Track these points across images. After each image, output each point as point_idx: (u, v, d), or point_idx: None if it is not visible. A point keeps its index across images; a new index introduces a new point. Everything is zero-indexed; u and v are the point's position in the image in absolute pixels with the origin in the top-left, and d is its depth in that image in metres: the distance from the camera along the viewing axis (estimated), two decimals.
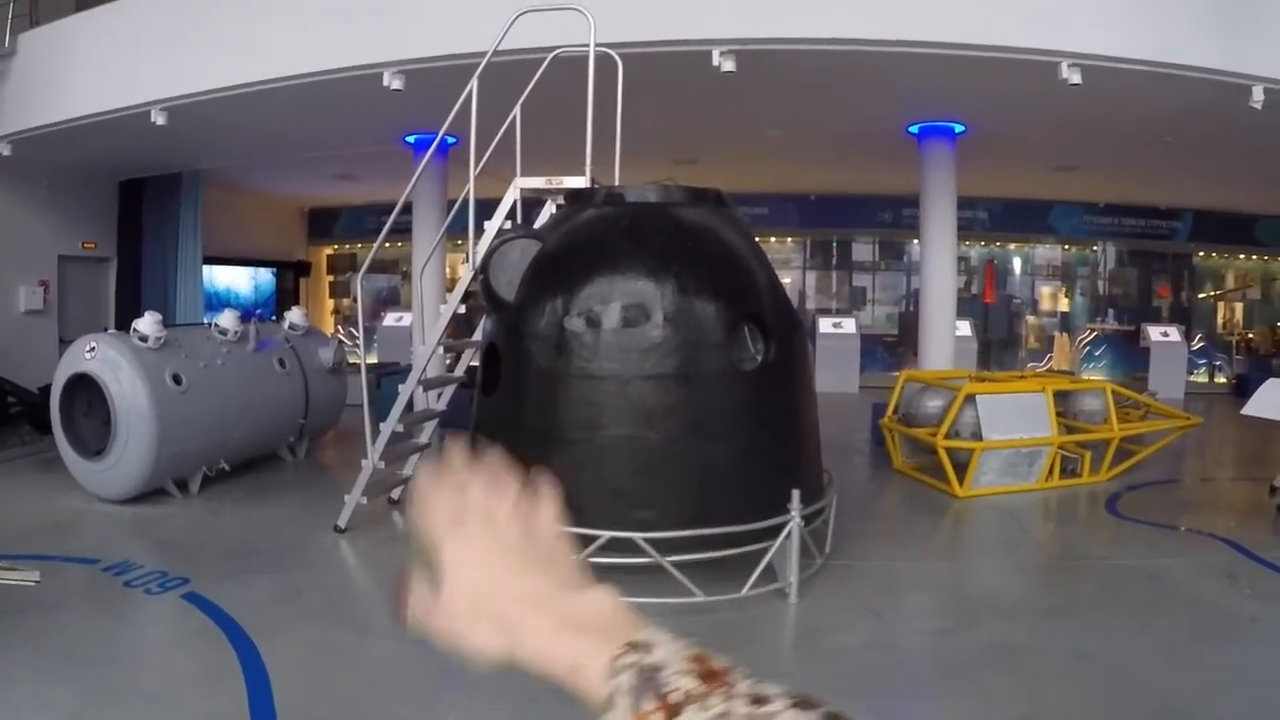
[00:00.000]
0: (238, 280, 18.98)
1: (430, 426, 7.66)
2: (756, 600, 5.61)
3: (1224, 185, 14.65)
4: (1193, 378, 17.35)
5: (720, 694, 0.64)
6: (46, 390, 8.41)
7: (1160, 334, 16.79)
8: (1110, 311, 18.40)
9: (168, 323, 8.11)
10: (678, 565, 5.43)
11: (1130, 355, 17.66)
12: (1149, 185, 15.42)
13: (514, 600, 0.76)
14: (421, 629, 0.78)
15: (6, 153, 10.90)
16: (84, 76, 9.78)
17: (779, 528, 5.62)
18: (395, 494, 7.82)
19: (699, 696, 0.64)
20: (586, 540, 5.46)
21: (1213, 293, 18.79)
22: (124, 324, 9.06)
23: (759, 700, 0.64)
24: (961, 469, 8.50)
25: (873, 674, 4.78)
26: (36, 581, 3.26)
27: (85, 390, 7.79)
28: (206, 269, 15.69)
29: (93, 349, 7.67)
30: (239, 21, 8.78)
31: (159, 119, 9.37)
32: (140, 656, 4.91)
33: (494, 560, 0.77)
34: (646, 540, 5.39)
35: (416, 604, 0.79)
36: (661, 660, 0.67)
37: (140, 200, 14.45)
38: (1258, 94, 7.86)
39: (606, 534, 5.42)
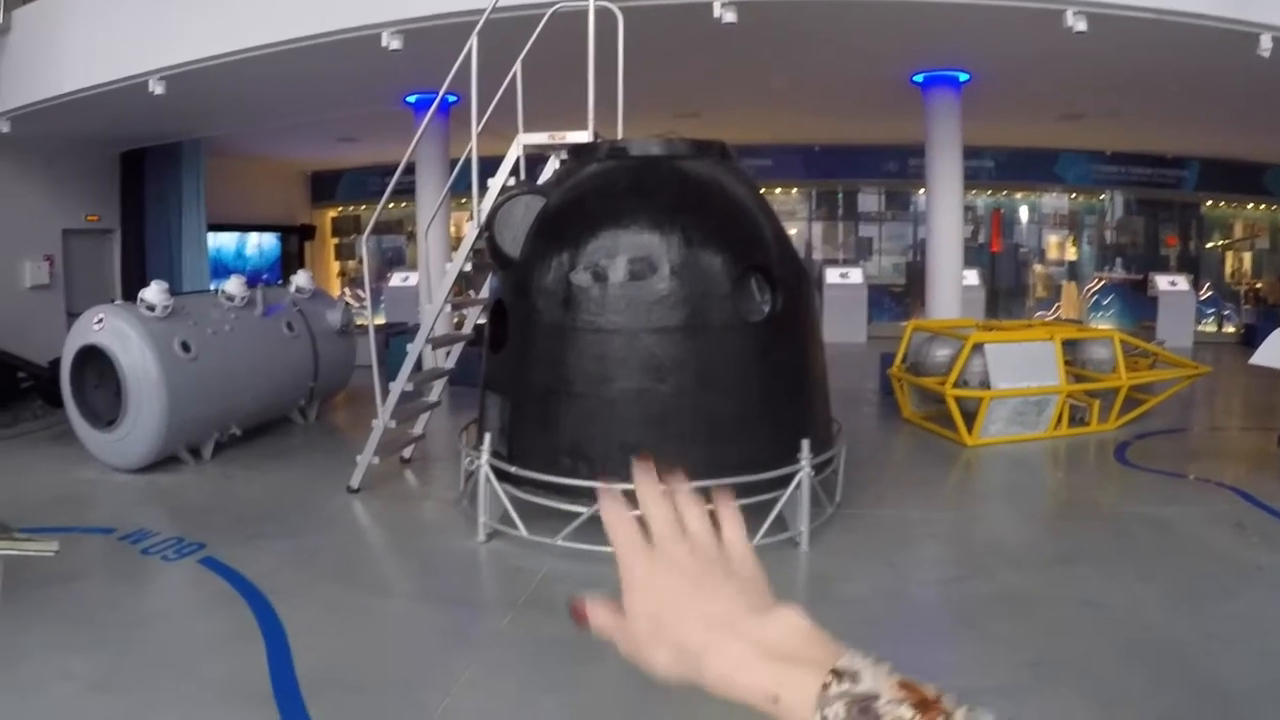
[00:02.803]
0: (249, 243, 19.00)
1: (440, 385, 7.68)
2: (768, 550, 5.65)
3: (1231, 134, 14.49)
4: (1201, 327, 17.29)
5: None
6: (56, 364, 8.43)
7: (1168, 283, 16.73)
8: (1118, 260, 18.30)
9: (174, 291, 8.10)
10: None
11: (1138, 304, 17.58)
12: (1156, 134, 15.26)
13: (700, 624, 0.73)
14: (605, 635, 0.78)
15: (6, 129, 10.85)
16: (80, 50, 9.71)
17: (789, 477, 5.66)
18: (406, 453, 7.86)
19: None
20: (597, 493, 5.47)
21: (1221, 242, 18.66)
22: (131, 295, 9.07)
23: None
24: (970, 418, 8.52)
25: (883, 622, 4.83)
26: (55, 552, 3.29)
27: (95, 362, 7.81)
28: (213, 236, 15.69)
29: (101, 321, 7.68)
30: None
31: (157, 89, 9.30)
32: (159, 623, 4.96)
33: (681, 582, 0.76)
34: None
35: (600, 613, 0.79)
36: (873, 690, 0.65)
37: (142, 171, 14.42)
38: (1265, 42, 7.76)
39: (618, 487, 5.42)
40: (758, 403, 5.80)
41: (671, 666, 0.74)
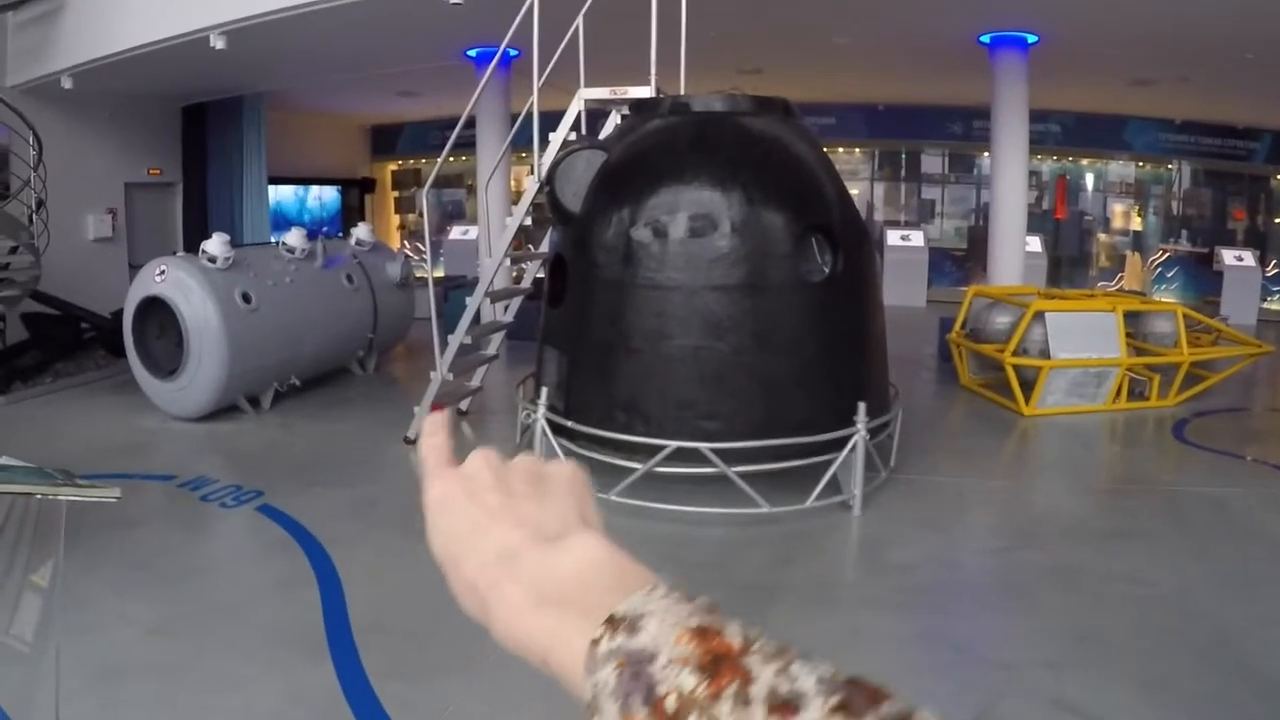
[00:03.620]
0: (309, 196, 19.23)
1: (498, 338, 7.72)
2: (821, 512, 5.65)
3: None
4: (1266, 304, 16.85)
5: (731, 695, 0.44)
6: (119, 315, 8.60)
7: (1234, 258, 16.28)
8: (1184, 232, 17.84)
9: (235, 243, 8.21)
10: (743, 476, 5.47)
11: (1202, 278, 17.16)
12: (1228, 103, 14.82)
13: (489, 560, 0.56)
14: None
15: (69, 85, 11.00)
16: (141, 6, 9.77)
17: (844, 440, 5.63)
18: (464, 405, 7.93)
19: (702, 702, 0.44)
20: (653, 450, 5.50)
21: None
22: (192, 247, 9.21)
23: (784, 707, 0.43)
24: (1028, 387, 8.40)
25: (933, 589, 4.81)
26: (117, 498, 3.36)
27: (157, 313, 7.96)
28: (274, 189, 15.87)
29: (163, 272, 7.81)
30: None
31: (218, 44, 9.35)
32: (217, 568, 5.08)
33: (477, 508, 0.59)
34: (713, 450, 5.42)
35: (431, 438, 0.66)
36: (653, 645, 0.47)
37: (203, 125, 14.59)
38: None
39: (673, 444, 5.45)
40: (815, 364, 5.76)
41: (476, 616, 0.57)
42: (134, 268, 12.22)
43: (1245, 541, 5.50)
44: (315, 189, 19.36)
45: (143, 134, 13.66)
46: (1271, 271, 17.32)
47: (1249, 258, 16.37)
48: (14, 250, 8.83)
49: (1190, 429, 8.14)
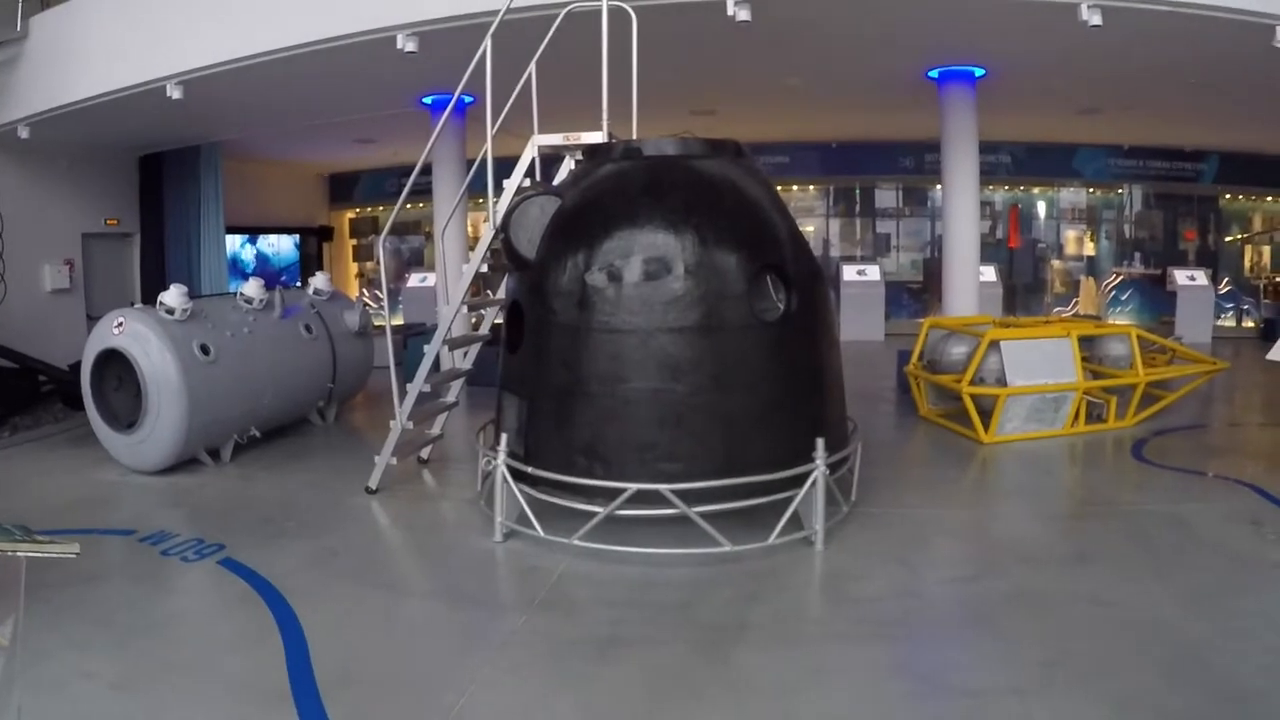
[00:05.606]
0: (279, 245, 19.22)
1: (457, 385, 7.72)
2: (784, 549, 5.68)
3: (1250, 127, 14.38)
4: (1220, 322, 17.19)
5: None
6: (76, 367, 8.50)
7: (1187, 278, 16.62)
8: (1136, 255, 18.20)
9: (193, 294, 8.17)
10: (705, 516, 5.49)
11: (1157, 299, 17.51)
12: (1173, 127, 15.17)
13: None
14: None
15: (25, 135, 10.96)
16: (97, 56, 9.79)
17: (804, 476, 5.67)
18: (424, 453, 7.91)
19: None
20: (613, 493, 5.52)
21: (1240, 236, 18.52)
22: (150, 298, 9.14)
23: None
24: (987, 415, 8.50)
25: (898, 620, 4.82)
26: (76, 554, 3.33)
27: (115, 365, 7.89)
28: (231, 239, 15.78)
29: (120, 324, 7.75)
30: None
31: (175, 93, 9.37)
32: (179, 623, 5.01)
33: None
34: (673, 491, 5.44)
35: None
36: None
37: (160, 174, 14.53)
38: None
39: (633, 486, 5.48)
40: (773, 402, 5.81)
41: None
42: (91, 319, 12.10)
43: (1208, 556, 5.58)
44: (272, 238, 19.29)
45: (100, 184, 13.60)
46: (1224, 290, 17.67)
47: (1201, 277, 16.73)
48: None
49: (1149, 448, 8.27)
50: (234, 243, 17.42)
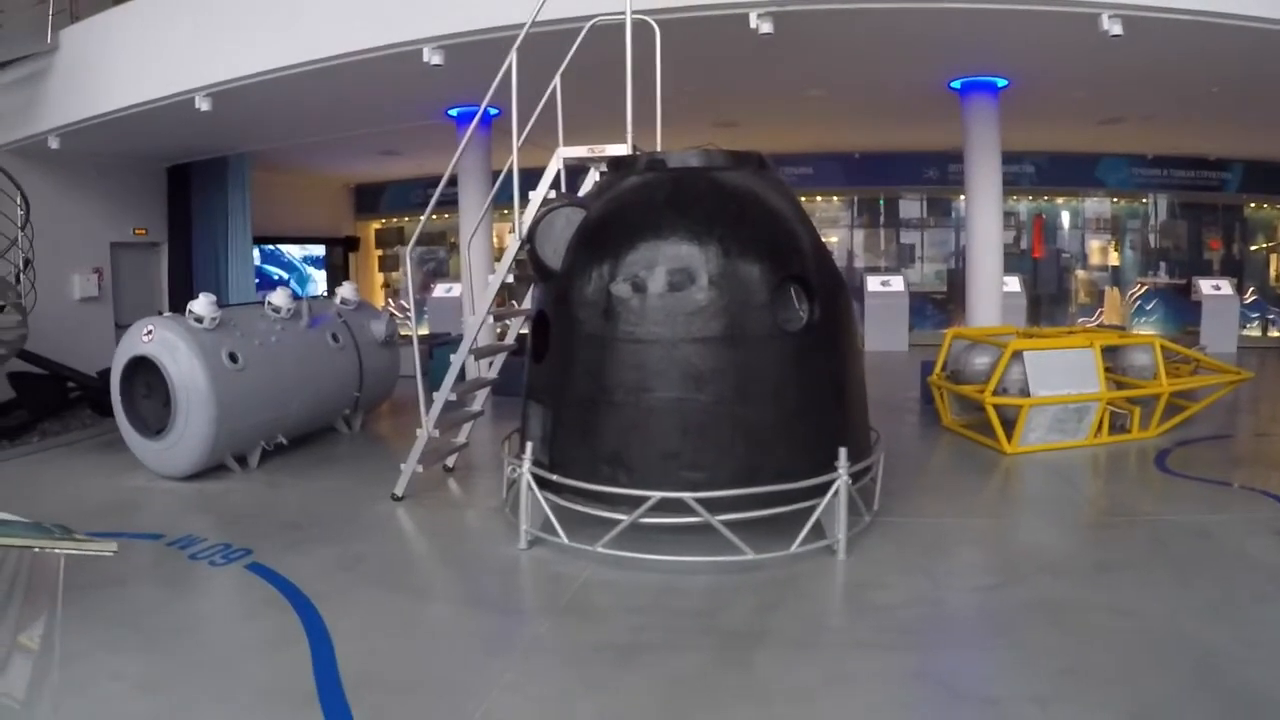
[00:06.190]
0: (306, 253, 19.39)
1: (483, 394, 7.80)
2: (805, 557, 5.71)
3: (1274, 135, 14.31)
4: (1245, 331, 17.06)
5: None
6: (106, 374, 8.64)
7: (1212, 287, 16.51)
8: (1161, 265, 18.10)
9: (221, 303, 8.29)
10: (728, 524, 5.53)
11: (1182, 309, 17.40)
12: (1197, 136, 15.09)
13: None
14: None
15: (55, 145, 11.16)
16: (126, 68, 9.97)
17: (827, 485, 5.69)
18: (450, 461, 7.99)
19: None
20: (637, 501, 5.57)
21: (1265, 244, 18.39)
22: (178, 307, 9.28)
23: None
24: (1010, 426, 8.50)
25: (919, 630, 4.83)
26: (114, 552, 3.43)
27: (144, 372, 8.02)
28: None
29: (150, 332, 7.88)
30: (278, 3, 8.89)
31: (203, 105, 9.54)
32: (207, 626, 5.09)
33: None
34: (696, 500, 5.49)
35: None
36: None
37: (188, 185, 14.73)
38: None
39: (657, 494, 5.52)
40: (796, 411, 5.85)
41: None
42: (120, 327, 12.31)
43: (1231, 567, 5.55)
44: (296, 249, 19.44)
45: (128, 194, 13.83)
46: (1249, 299, 17.54)
47: (1226, 286, 16.60)
48: (1, 309, 8.90)
49: (1172, 458, 8.24)
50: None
